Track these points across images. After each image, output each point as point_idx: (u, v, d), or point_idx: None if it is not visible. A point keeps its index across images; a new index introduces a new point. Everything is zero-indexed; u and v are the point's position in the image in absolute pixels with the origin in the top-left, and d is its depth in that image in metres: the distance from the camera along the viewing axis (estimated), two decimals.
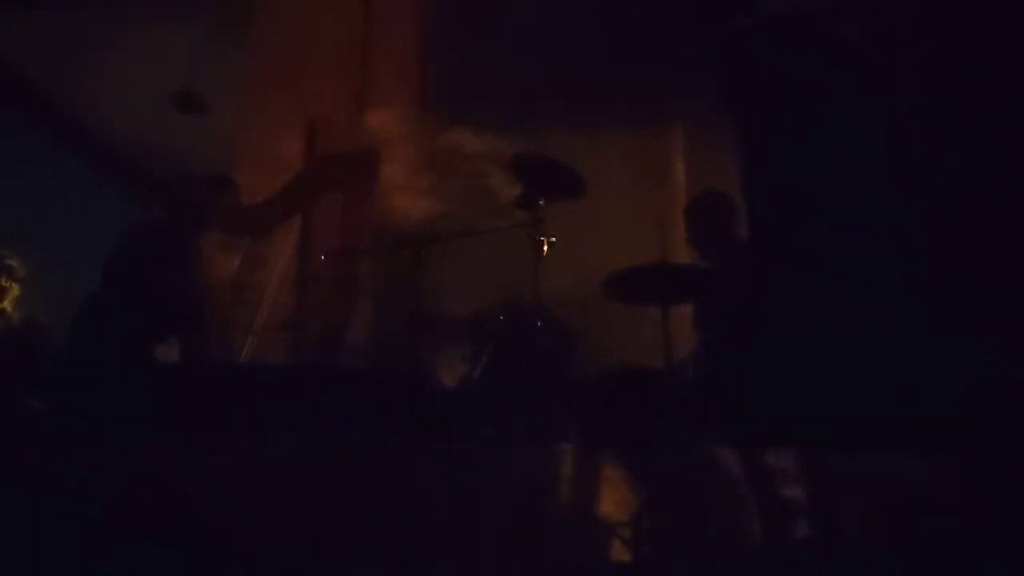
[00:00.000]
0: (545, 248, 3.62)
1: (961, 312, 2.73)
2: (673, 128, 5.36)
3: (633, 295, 3.65)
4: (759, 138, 3.09)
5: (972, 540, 2.34)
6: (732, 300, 3.39)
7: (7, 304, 4.08)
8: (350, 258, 4.30)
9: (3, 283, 4.07)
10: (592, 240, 4.57)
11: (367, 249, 4.40)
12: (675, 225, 4.38)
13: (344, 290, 4.27)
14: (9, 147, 5.20)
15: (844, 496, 2.50)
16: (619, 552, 2.46)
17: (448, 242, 3.74)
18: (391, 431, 2.85)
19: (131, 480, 2.49)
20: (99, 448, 2.63)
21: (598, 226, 4.67)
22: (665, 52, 4.92)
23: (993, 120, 2.88)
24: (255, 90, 5.11)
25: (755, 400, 2.85)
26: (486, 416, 3.21)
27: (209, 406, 2.99)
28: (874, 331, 2.77)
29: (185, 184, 3.86)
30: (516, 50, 4.92)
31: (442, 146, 5.03)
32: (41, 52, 5.32)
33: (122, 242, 3.66)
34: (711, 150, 4.69)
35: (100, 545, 2.39)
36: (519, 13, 4.87)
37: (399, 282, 3.97)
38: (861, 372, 2.72)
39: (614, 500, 2.50)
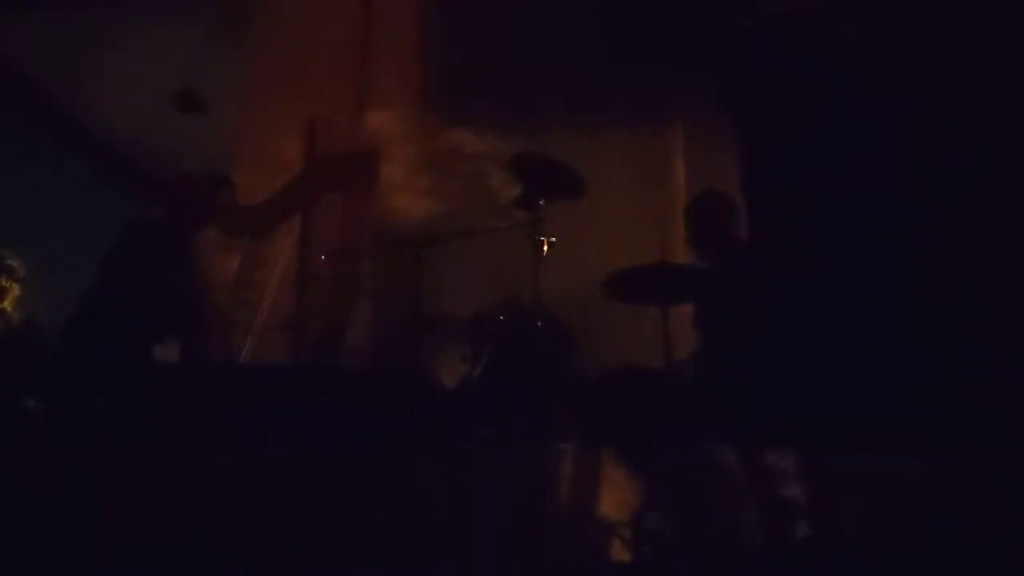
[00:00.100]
0: (545, 248, 3.62)
1: (961, 312, 2.73)
2: (673, 128, 5.36)
3: (633, 295, 3.65)
4: (759, 138, 3.09)
5: (972, 540, 2.34)
6: (732, 300, 3.39)
7: (7, 304, 4.08)
8: (350, 258, 4.30)
9: (3, 283, 4.07)
10: (592, 240, 4.57)
11: (367, 249, 4.40)
12: (675, 225, 4.38)
13: (344, 290, 4.28)
14: (9, 147, 5.21)
15: (844, 496, 2.50)
16: (619, 552, 2.46)
17: (448, 242, 3.74)
18: (391, 431, 2.85)
19: (131, 480, 2.49)
20: (99, 448, 2.64)
21: (598, 226, 4.67)
22: (665, 52, 4.92)
23: (993, 120, 2.88)
24: (255, 90, 5.11)
25: (755, 400, 2.85)
26: (486, 416, 3.21)
27: (209, 406, 2.99)
28: (874, 331, 2.77)
29: (183, 183, 3.86)
30: (516, 50, 4.92)
31: (442, 146, 5.04)
32: (41, 52, 5.32)
33: (120, 241, 3.66)
34: (711, 150, 4.69)
35: (100, 545, 2.39)
36: (519, 13, 4.87)
37: (399, 282, 3.97)
38: (861, 372, 2.72)
39: (614, 500, 2.50)
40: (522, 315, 3.62)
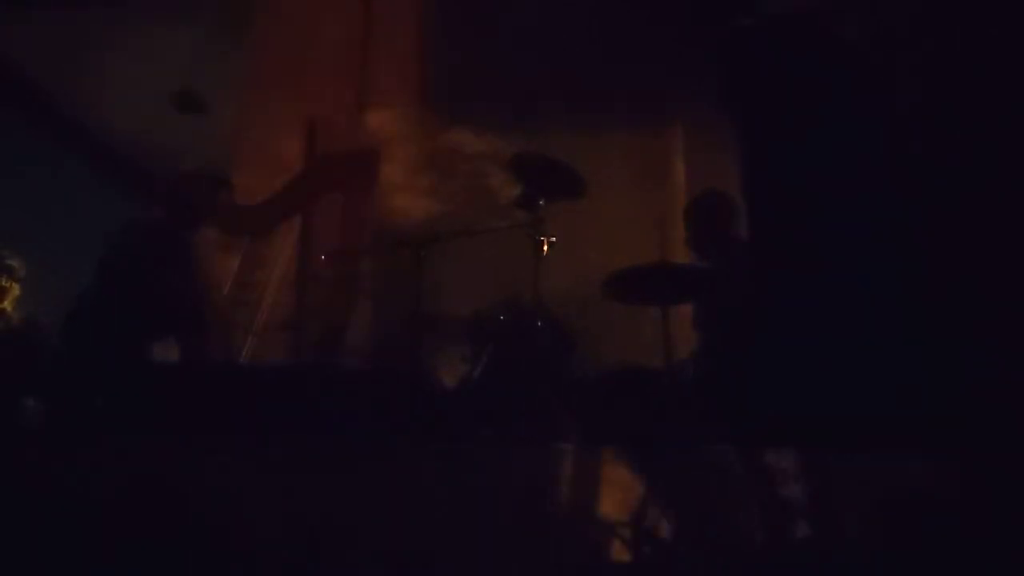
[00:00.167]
0: (545, 248, 3.62)
1: (961, 312, 2.73)
2: (673, 128, 5.36)
3: (633, 295, 3.65)
4: (759, 138, 3.09)
5: (972, 540, 2.34)
6: (732, 300, 3.39)
7: (7, 304, 4.08)
8: (350, 258, 4.30)
9: (3, 283, 4.07)
10: (592, 240, 4.57)
11: (367, 249, 4.40)
12: (675, 225, 4.38)
13: (344, 290, 4.28)
14: (9, 147, 5.21)
15: (844, 496, 2.50)
16: (619, 552, 2.46)
17: (448, 242, 3.74)
18: (391, 431, 2.85)
19: (131, 480, 2.49)
20: (99, 448, 2.63)
21: (598, 226, 4.67)
22: (665, 52, 4.92)
23: (993, 120, 2.88)
24: (255, 90, 5.11)
25: (755, 400, 2.85)
26: (486, 416, 3.21)
27: (209, 406, 2.99)
28: (874, 331, 2.77)
29: (182, 183, 3.85)
30: (516, 50, 4.92)
31: (442, 146, 5.04)
32: (41, 52, 5.33)
33: (119, 241, 3.66)
34: (711, 150, 4.69)
35: (100, 545, 2.39)
36: (519, 13, 4.87)
37: (399, 282, 3.97)
38: (861, 372, 2.72)
39: (614, 500, 2.50)
40: (522, 315, 3.62)
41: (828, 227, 2.93)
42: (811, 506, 2.52)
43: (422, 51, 5.14)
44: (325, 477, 2.51)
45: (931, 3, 3.04)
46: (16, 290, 4.10)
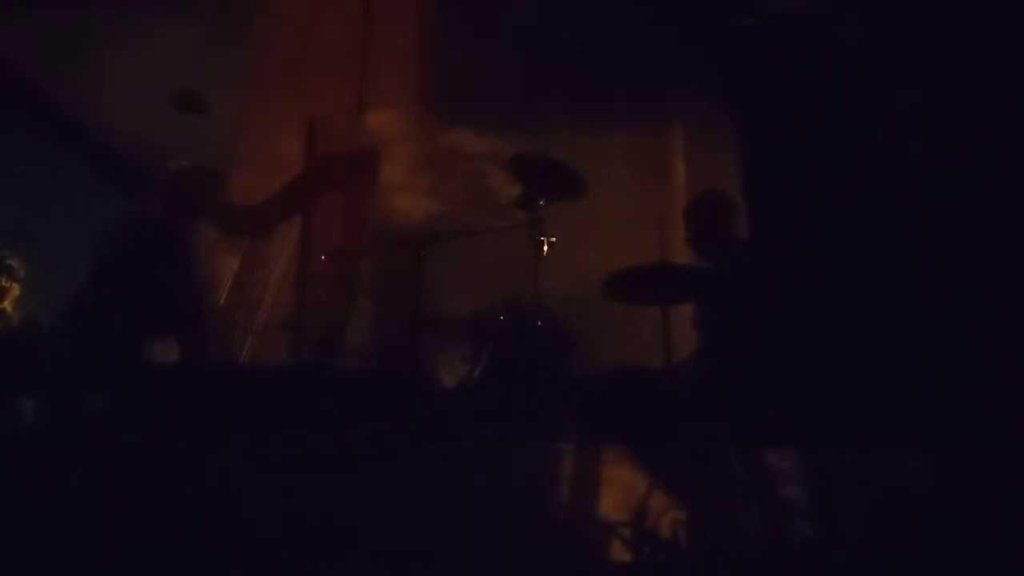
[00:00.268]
0: (545, 248, 3.62)
1: (961, 312, 2.73)
2: (673, 128, 5.36)
3: (633, 295, 3.65)
4: (759, 138, 3.09)
5: (972, 540, 2.34)
6: (732, 300, 3.39)
7: (7, 304, 4.08)
8: (350, 258, 4.29)
9: (3, 283, 4.07)
10: (592, 240, 4.58)
11: (367, 249, 4.40)
12: (675, 225, 4.38)
13: (344, 290, 4.27)
14: (9, 147, 5.21)
15: (844, 496, 2.50)
16: (619, 552, 2.46)
17: (448, 242, 3.74)
18: (391, 431, 2.85)
19: (131, 480, 2.49)
20: (99, 448, 2.63)
21: (598, 226, 4.67)
22: (665, 52, 4.92)
23: (993, 120, 2.88)
24: (255, 90, 5.11)
25: (755, 400, 2.85)
26: (486, 416, 3.21)
27: (209, 406, 2.99)
28: (874, 331, 2.77)
29: (172, 178, 3.84)
30: (516, 50, 4.93)
31: (442, 146, 5.04)
32: (41, 52, 5.33)
33: (109, 238, 3.65)
34: (711, 150, 4.69)
35: (100, 545, 2.39)
36: (519, 13, 4.87)
37: (399, 282, 3.97)
38: (861, 372, 2.72)
39: (614, 500, 2.50)
40: (522, 315, 3.62)
41: (828, 227, 2.93)
42: (811, 506, 2.52)
43: (422, 51, 5.14)
44: (325, 477, 2.51)
45: (931, 3, 3.04)
46: (16, 290, 4.11)
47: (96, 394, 3.16)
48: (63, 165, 5.62)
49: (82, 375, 3.31)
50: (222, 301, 4.05)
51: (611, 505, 2.50)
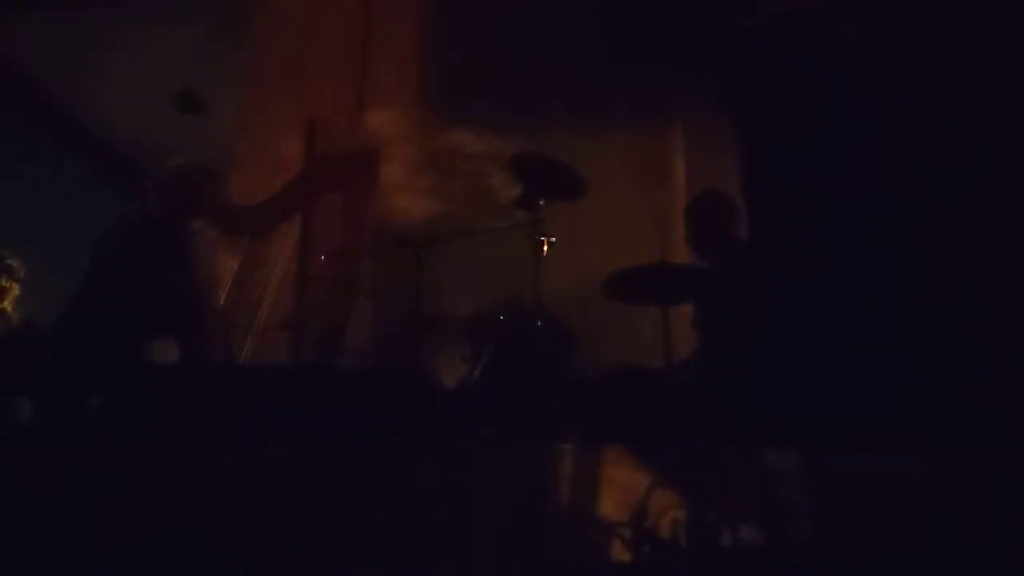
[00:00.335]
0: (545, 248, 3.62)
1: (961, 312, 2.73)
2: (673, 128, 5.36)
3: (633, 295, 3.65)
4: (759, 138, 3.09)
5: (972, 540, 2.34)
6: (732, 300, 3.39)
7: (7, 304, 4.08)
8: (350, 258, 4.29)
9: (3, 283, 4.07)
10: (592, 240, 4.58)
11: (367, 249, 4.40)
12: (675, 225, 4.38)
13: (344, 290, 4.27)
14: (9, 147, 5.21)
15: (844, 496, 2.50)
16: (619, 552, 2.46)
17: (448, 242, 3.74)
18: (391, 431, 2.85)
19: (131, 480, 2.49)
20: (99, 448, 2.63)
21: (598, 226, 4.67)
22: (665, 52, 4.92)
23: (993, 120, 2.88)
24: (255, 90, 5.11)
25: (755, 400, 2.85)
26: (486, 416, 3.21)
27: (209, 406, 2.99)
28: (874, 331, 2.77)
29: (168, 177, 3.84)
30: (516, 50, 4.93)
31: (442, 146, 5.04)
32: (41, 52, 5.33)
33: (107, 237, 3.65)
34: (711, 150, 4.69)
35: (100, 545, 2.39)
36: (519, 13, 4.87)
37: (399, 282, 3.97)
38: (861, 372, 2.72)
39: (614, 500, 2.50)
40: (522, 315, 3.62)
41: (828, 227, 2.93)
42: (811, 506, 2.52)
43: (422, 51, 5.14)
44: (325, 477, 2.51)
45: (931, 3, 3.04)
46: (16, 290, 4.11)
47: (96, 394, 3.16)
48: (63, 165, 5.62)
49: (82, 375, 3.31)
50: (222, 301, 4.05)
51: (611, 505, 2.49)
